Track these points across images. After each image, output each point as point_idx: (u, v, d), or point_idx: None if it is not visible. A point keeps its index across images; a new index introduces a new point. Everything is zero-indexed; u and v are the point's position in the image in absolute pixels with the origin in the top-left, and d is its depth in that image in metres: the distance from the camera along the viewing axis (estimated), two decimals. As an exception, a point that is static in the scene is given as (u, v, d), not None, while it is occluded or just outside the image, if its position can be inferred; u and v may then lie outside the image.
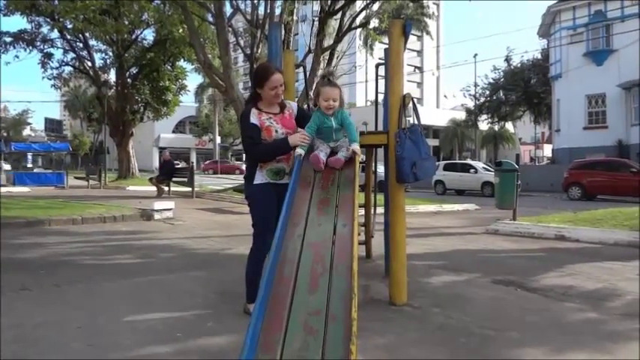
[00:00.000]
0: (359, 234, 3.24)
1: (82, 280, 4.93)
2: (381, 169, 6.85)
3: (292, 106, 3.83)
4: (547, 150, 43.48)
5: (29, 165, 31.29)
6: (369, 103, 52.84)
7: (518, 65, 37.40)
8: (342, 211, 2.94)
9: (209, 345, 3.22)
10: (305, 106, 5.54)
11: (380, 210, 6.15)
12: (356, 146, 3.39)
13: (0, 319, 2.91)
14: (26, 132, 69.09)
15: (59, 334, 3.40)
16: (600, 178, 18.81)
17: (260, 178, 3.56)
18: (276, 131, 3.53)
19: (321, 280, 2.41)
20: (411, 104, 4.27)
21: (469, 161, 27.06)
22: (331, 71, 3.45)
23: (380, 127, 5.49)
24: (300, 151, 3.36)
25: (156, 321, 3.70)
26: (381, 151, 5.60)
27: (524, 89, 35.82)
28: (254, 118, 3.51)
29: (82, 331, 3.48)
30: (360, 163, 4.84)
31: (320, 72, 15.37)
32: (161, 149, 45.48)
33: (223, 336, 3.32)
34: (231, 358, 2.81)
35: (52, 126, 64.13)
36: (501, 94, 38.29)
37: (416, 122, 4.27)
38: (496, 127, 43.43)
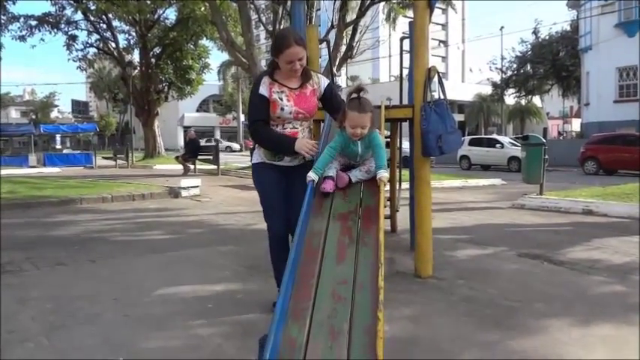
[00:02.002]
0: (385, 206, 3.25)
1: (115, 256, 5.09)
2: (405, 144, 6.85)
3: (321, 81, 3.23)
4: (575, 124, 42.57)
5: (58, 146, 31.89)
6: (392, 79, 52.36)
7: (547, 38, 36.46)
8: (368, 185, 2.97)
9: (240, 316, 3.32)
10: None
11: (405, 185, 6.17)
12: (383, 174, 2.83)
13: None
14: (54, 114, 70.23)
15: (95, 306, 3.54)
16: (616, 153, 18.54)
17: (257, 157, 3.23)
18: (282, 109, 3.03)
19: (348, 251, 2.46)
20: (436, 78, 4.24)
21: (495, 136, 26.71)
22: (361, 87, 2.90)
23: (405, 102, 5.48)
24: (313, 176, 2.84)
25: (187, 293, 3.82)
26: (405, 127, 5.61)
27: (553, 62, 34.93)
28: (264, 88, 3.05)
29: (117, 303, 3.61)
30: (385, 137, 4.86)
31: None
32: (186, 128, 45.90)
33: (254, 307, 3.41)
34: (262, 328, 2.89)
35: (79, 107, 65.02)
36: (529, 68, 37.41)
37: (441, 96, 4.25)
38: (523, 102, 42.62)
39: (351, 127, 2.84)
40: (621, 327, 3.11)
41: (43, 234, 6.26)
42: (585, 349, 2.78)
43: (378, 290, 2.02)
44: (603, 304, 3.55)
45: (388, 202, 5.90)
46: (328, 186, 2.86)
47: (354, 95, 2.85)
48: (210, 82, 42.45)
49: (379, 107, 4.03)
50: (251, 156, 3.32)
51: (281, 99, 3.04)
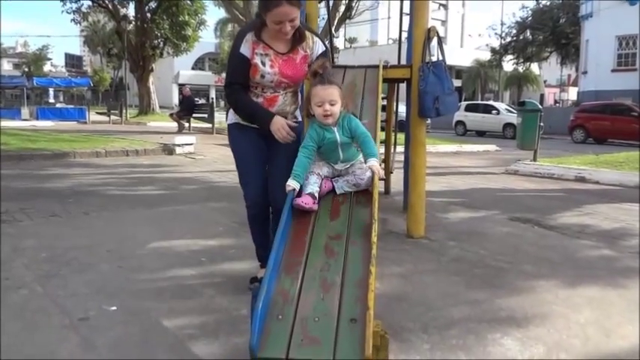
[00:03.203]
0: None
1: (109, 209, 5.10)
2: (401, 108, 6.81)
3: (316, 47, 2.76)
4: (572, 93, 42.38)
5: (51, 100, 31.54)
6: (390, 42, 51.67)
7: (548, 4, 35.97)
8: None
9: (232, 269, 3.36)
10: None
11: (399, 149, 6.17)
12: (374, 162, 2.44)
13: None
14: (47, 67, 69.10)
15: (89, 257, 3.57)
16: (604, 122, 18.74)
17: (232, 117, 2.87)
18: (263, 76, 2.64)
19: (342, 207, 2.47)
20: (435, 39, 4.19)
21: (492, 102, 26.63)
22: (324, 64, 2.54)
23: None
24: (293, 184, 2.42)
25: (181, 247, 3.86)
26: (402, 90, 5.56)
27: (553, 29, 34.53)
28: (246, 47, 2.63)
29: (111, 254, 3.64)
30: (383, 97, 4.82)
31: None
32: (181, 86, 45.42)
33: (246, 261, 3.42)
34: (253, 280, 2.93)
35: (72, 61, 64.03)
36: (528, 34, 37.03)
37: (440, 58, 4.21)
38: (521, 69, 42.30)
39: (318, 106, 2.43)
40: (607, 289, 3.18)
41: (36, 186, 6.26)
42: (571, 309, 2.84)
43: (371, 245, 2.05)
44: (591, 267, 3.61)
45: (382, 164, 5.91)
46: (308, 203, 2.38)
47: (316, 73, 2.51)
48: (207, 40, 41.89)
49: (377, 67, 4.00)
50: (226, 116, 2.95)
51: (263, 63, 2.63)
